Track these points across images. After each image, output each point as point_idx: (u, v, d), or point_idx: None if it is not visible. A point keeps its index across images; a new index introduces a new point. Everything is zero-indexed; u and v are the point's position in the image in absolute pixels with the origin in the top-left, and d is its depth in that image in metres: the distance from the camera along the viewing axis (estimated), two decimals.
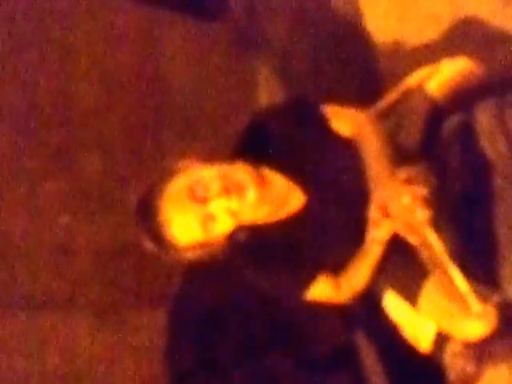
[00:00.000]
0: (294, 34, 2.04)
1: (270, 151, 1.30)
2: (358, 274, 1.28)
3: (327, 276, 1.30)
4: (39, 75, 1.79)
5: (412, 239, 1.21)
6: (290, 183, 1.30)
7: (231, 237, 1.21)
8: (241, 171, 1.17)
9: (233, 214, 1.15)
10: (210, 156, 1.22)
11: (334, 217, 1.29)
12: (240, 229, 1.21)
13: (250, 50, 2.10)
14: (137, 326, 1.76)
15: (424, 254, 1.26)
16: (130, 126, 1.90)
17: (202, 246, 1.18)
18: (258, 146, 1.32)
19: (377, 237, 1.20)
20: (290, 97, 1.81)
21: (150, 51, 1.99)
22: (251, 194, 1.14)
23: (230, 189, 1.12)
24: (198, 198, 1.12)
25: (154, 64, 1.98)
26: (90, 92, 1.88)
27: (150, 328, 1.77)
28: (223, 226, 1.16)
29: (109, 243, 1.78)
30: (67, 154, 1.80)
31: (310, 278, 1.28)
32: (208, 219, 1.13)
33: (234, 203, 1.14)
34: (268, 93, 2.07)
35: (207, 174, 1.16)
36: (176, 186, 1.15)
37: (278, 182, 1.28)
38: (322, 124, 1.36)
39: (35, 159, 1.72)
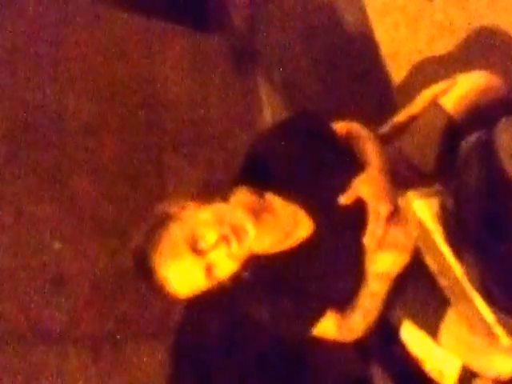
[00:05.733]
0: (297, 46, 2.03)
1: (275, 175, 1.29)
2: (363, 312, 1.25)
3: (334, 313, 1.28)
4: (29, 91, 1.79)
5: (431, 265, 1.20)
6: (298, 210, 1.28)
7: (235, 274, 1.19)
8: (238, 211, 1.16)
9: (235, 257, 1.14)
10: (205, 190, 1.21)
11: (344, 246, 1.26)
12: (244, 266, 1.20)
13: (251, 64, 2.11)
14: (135, 359, 1.74)
15: (443, 282, 1.24)
16: (125, 145, 1.90)
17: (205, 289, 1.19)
18: (261, 169, 1.30)
19: (374, 271, 1.19)
20: (295, 113, 1.78)
21: (146, 66, 2.00)
22: (251, 233, 1.14)
23: (228, 236, 1.12)
24: (198, 250, 1.12)
25: (151, 79, 1.99)
26: (84, 109, 1.88)
27: (148, 362, 1.75)
28: (227, 270, 1.16)
29: (104, 270, 1.76)
30: (58, 176, 1.79)
31: (317, 315, 1.26)
32: (210, 268, 1.12)
33: (234, 248, 1.13)
34: (272, 109, 2.06)
35: (203, 219, 1.14)
36: (172, 237, 1.14)
37: (284, 209, 1.27)
38: (332, 142, 1.35)
39: (23, 181, 1.71)
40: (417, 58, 1.86)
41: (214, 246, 1.12)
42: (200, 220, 1.15)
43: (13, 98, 1.76)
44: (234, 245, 1.12)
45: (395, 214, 1.20)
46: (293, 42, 2.07)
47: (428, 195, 1.27)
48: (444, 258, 1.21)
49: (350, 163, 1.30)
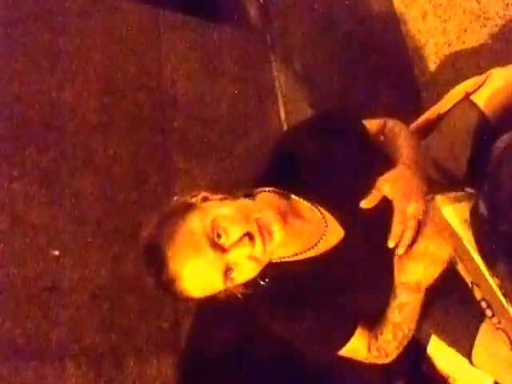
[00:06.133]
0: (316, 38, 2.03)
1: (303, 177, 1.27)
2: (392, 328, 1.22)
3: (365, 331, 1.25)
4: (24, 85, 1.80)
5: (464, 274, 1.18)
6: (327, 215, 1.26)
7: (254, 280, 1.17)
8: (266, 209, 1.13)
9: (257, 260, 1.12)
10: (230, 186, 1.21)
11: (376, 255, 1.22)
12: (263, 273, 1.18)
13: (266, 58, 2.12)
14: (138, 375, 1.74)
15: (478, 294, 1.21)
16: (129, 144, 1.90)
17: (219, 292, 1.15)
18: (287, 169, 1.29)
19: (403, 281, 1.16)
20: (324, 110, 1.77)
21: (152, 59, 2.01)
22: (277, 235, 1.11)
23: (254, 234, 1.09)
24: (218, 246, 1.08)
25: (157, 73, 1.99)
26: (84, 105, 1.88)
27: (153, 378, 1.76)
28: (246, 274, 1.13)
29: (106, 279, 1.77)
30: (57, 177, 1.81)
31: (346, 332, 1.23)
32: (229, 269, 1.09)
33: (258, 249, 1.10)
34: (288, 106, 2.06)
35: (227, 213, 1.11)
36: (191, 228, 1.09)
37: (312, 213, 1.26)
38: (364, 142, 1.34)
39: (19, 183, 1.72)
40: (446, 50, 1.84)
41: (237, 244, 1.08)
42: (224, 213, 1.11)
43: (6, 92, 1.76)
44: (259, 245, 1.09)
45: (428, 218, 1.16)
46: (312, 34, 2.06)
47: (458, 200, 1.25)
48: (477, 268, 1.18)
49: (383, 164, 1.27)
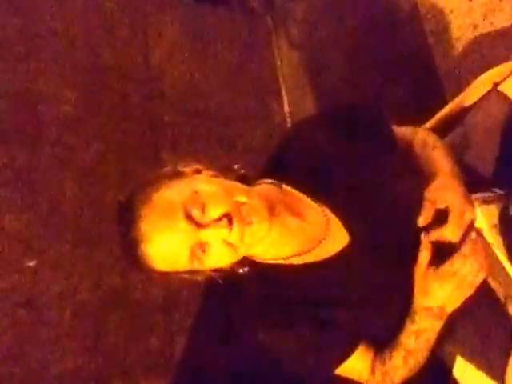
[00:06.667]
0: (323, 19, 2.00)
1: (312, 175, 1.27)
2: (405, 354, 1.21)
3: (368, 351, 1.25)
4: None
5: (495, 287, 1.17)
6: (332, 218, 1.26)
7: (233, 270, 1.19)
8: (254, 198, 1.15)
9: (232, 247, 1.13)
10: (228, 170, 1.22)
11: (385, 268, 1.23)
12: (242, 263, 1.20)
13: (266, 41, 2.10)
14: None
15: (511, 311, 1.20)
16: (114, 141, 1.89)
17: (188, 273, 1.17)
18: (295, 164, 1.30)
19: (425, 305, 1.14)
20: (351, 102, 1.68)
21: (139, 45, 1.99)
22: (256, 228, 1.13)
23: (233, 216, 1.11)
24: (193, 220, 1.11)
25: (145, 62, 1.98)
26: (62, 98, 1.87)
27: None
28: (217, 259, 1.14)
29: (89, 294, 1.76)
30: (33, 178, 1.80)
31: (345, 348, 1.23)
32: (200, 247, 1.11)
33: (234, 235, 1.11)
34: (293, 98, 2.04)
35: (214, 189, 1.14)
36: (170, 194, 1.13)
37: (315, 213, 1.26)
38: (390, 145, 1.34)
39: None
40: (471, 34, 1.83)
41: (213, 223, 1.10)
42: (209, 189, 1.14)
43: None
44: (236, 231, 1.10)
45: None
46: (319, 16, 2.04)
47: (486, 202, 1.26)
48: (509, 277, 1.19)
49: (406, 171, 1.27)
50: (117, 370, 1.75)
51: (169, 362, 1.81)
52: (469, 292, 1.14)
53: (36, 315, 1.70)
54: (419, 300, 1.16)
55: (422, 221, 1.12)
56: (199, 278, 1.19)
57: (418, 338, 1.21)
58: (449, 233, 1.11)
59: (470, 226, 1.12)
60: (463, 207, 1.12)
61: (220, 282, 1.20)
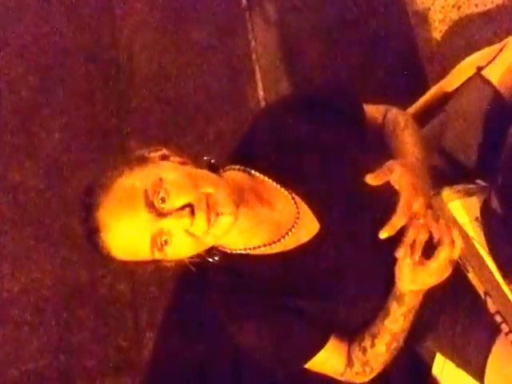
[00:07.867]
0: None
1: (281, 160, 1.28)
2: (388, 338, 1.23)
3: (341, 343, 1.27)
4: None
5: (474, 282, 1.19)
6: (302, 205, 1.27)
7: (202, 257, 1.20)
8: (222, 187, 1.15)
9: (196, 238, 1.13)
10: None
11: (357, 258, 1.24)
12: (211, 253, 1.21)
13: (242, 22, 2.05)
14: None
15: (492, 305, 1.23)
16: (77, 128, 1.86)
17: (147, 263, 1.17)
18: (263, 151, 1.30)
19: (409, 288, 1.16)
20: (324, 85, 1.75)
21: (104, 26, 1.95)
22: (224, 220, 1.13)
23: (196, 206, 1.10)
24: (155, 207, 1.11)
25: (111, 43, 1.94)
26: (23, 82, 1.85)
27: None
28: (179, 249, 1.14)
29: (52, 290, 1.74)
30: None
31: (317, 342, 1.24)
32: (160, 235, 1.12)
33: (197, 227, 1.11)
34: (268, 81, 2.01)
35: (180, 178, 1.14)
36: (132, 180, 1.13)
37: (285, 202, 1.26)
38: (358, 128, 1.34)
39: None
40: (454, 15, 1.81)
41: (175, 213, 1.10)
42: (173, 177, 1.13)
43: None
44: (200, 222, 1.10)
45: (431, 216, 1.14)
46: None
47: (468, 194, 1.28)
48: (491, 275, 1.20)
49: (378, 157, 1.24)
50: (81, 370, 1.74)
51: (137, 360, 1.80)
52: (451, 268, 1.15)
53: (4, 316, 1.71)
54: (406, 285, 1.18)
55: (370, 178, 1.15)
56: (168, 265, 1.19)
57: (405, 318, 1.22)
58: (397, 217, 1.12)
59: (419, 214, 1.12)
60: (413, 194, 1.13)
61: (193, 269, 1.21)
